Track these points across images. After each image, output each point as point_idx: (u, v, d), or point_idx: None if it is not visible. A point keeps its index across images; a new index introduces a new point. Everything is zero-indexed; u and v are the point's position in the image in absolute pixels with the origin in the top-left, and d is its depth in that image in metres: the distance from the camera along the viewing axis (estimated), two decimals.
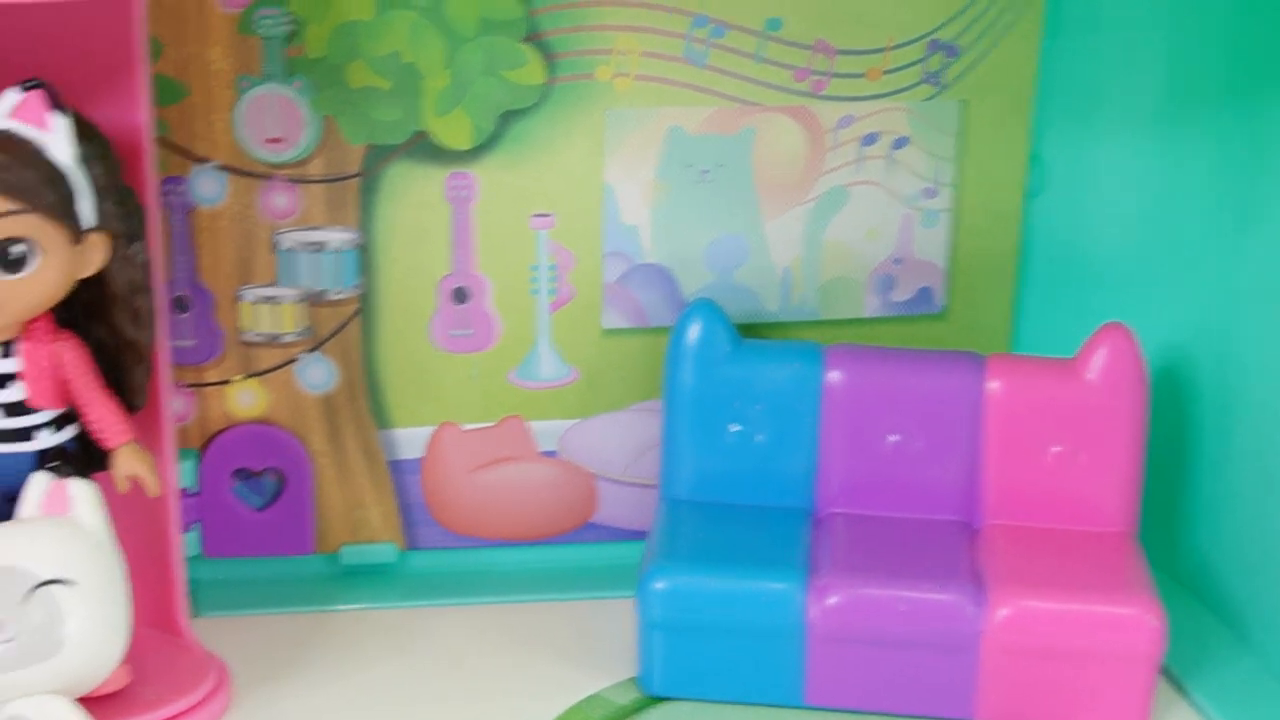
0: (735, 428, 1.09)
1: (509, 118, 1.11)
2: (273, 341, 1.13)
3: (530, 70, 1.10)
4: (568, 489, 1.19)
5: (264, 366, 1.14)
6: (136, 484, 0.98)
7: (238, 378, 1.14)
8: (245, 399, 1.14)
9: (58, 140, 0.91)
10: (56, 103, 0.91)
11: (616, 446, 1.18)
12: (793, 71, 1.12)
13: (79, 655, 0.92)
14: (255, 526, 1.17)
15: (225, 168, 1.10)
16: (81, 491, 0.95)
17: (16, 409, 0.96)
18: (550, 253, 1.14)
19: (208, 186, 1.10)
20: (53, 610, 0.91)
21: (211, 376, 1.14)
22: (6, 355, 0.95)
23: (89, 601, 0.92)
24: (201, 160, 1.09)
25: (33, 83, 0.90)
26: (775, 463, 1.09)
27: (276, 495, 1.16)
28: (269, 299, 1.13)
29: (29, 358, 0.95)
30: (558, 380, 1.16)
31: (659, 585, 1.01)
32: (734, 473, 1.10)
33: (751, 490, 1.10)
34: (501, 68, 1.10)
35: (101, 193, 0.93)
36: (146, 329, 0.97)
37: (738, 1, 1.10)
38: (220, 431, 1.15)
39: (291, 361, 1.14)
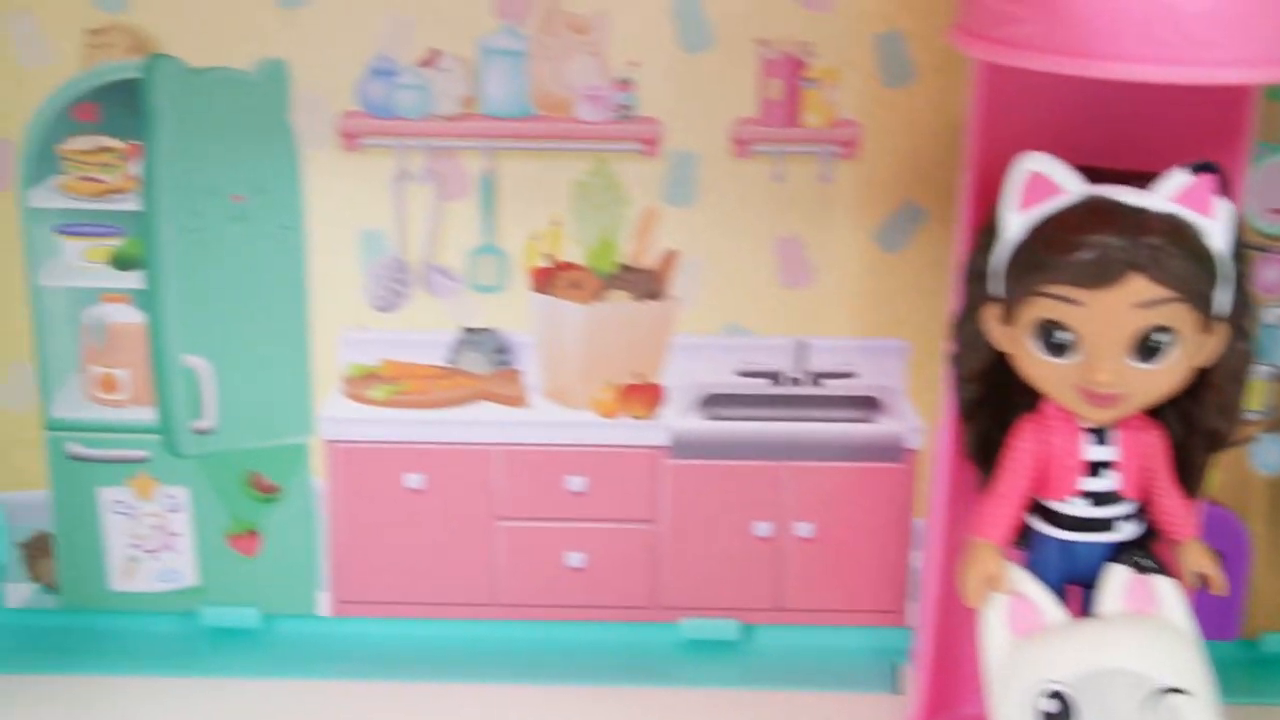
0: None
1: None
2: None
3: None
4: None
5: None
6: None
7: None
8: None
9: (1218, 227, 0.85)
10: (1222, 188, 0.85)
11: None
12: None
13: None
14: None
15: None
16: (1169, 590, 0.90)
17: (1104, 499, 0.91)
18: None
19: None
20: None
21: None
22: (1102, 442, 0.90)
23: (1205, 713, 0.87)
24: None
25: (1204, 165, 0.85)
26: None
27: None
28: None
29: (1126, 447, 0.90)
30: None
31: None
32: None
33: None
34: None
35: (1235, 282, 0.87)
36: (1231, 419, 0.92)
37: None
38: None
39: (1248, 440, 1.08)
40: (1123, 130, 0.91)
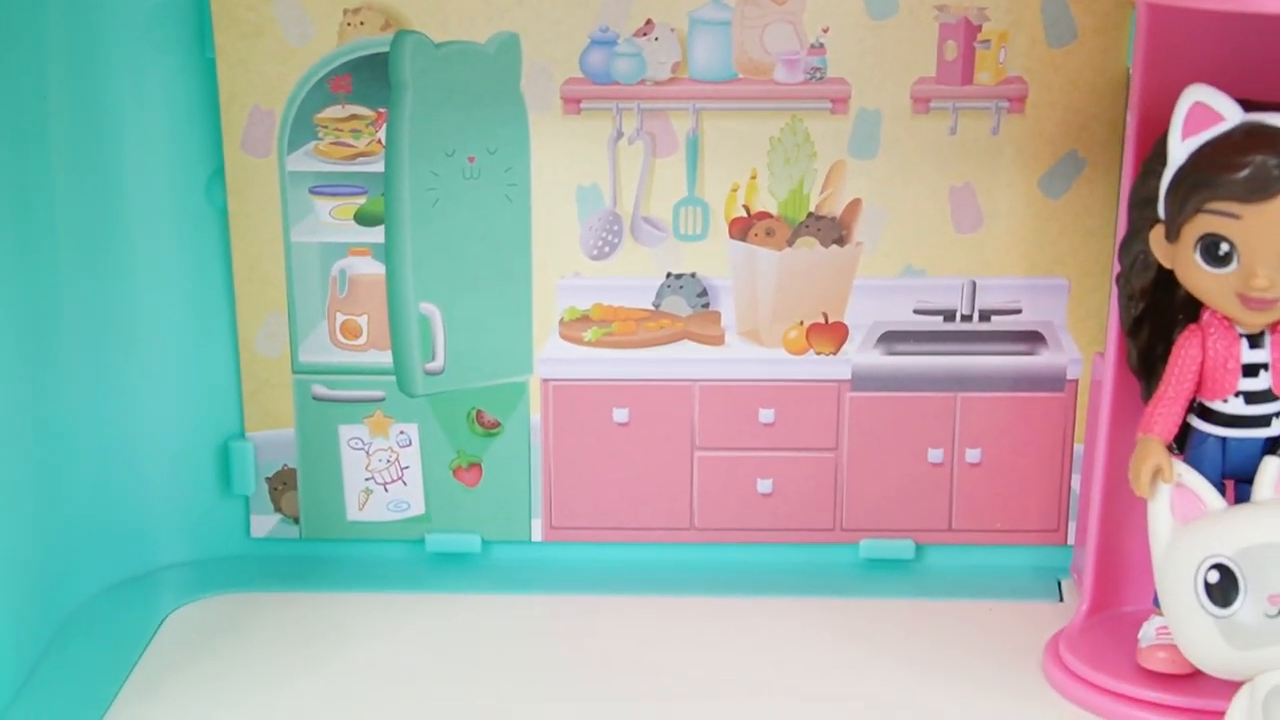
0: None
1: None
2: None
3: None
4: None
5: None
6: None
7: None
8: None
9: None
10: None
11: None
12: None
13: None
14: None
15: None
16: None
17: (1259, 397, 1.02)
18: None
19: None
20: None
21: None
22: (1257, 346, 1.01)
23: None
24: None
25: None
26: None
27: None
28: None
29: (1278, 348, 1.01)
30: None
31: None
32: None
33: None
34: None
35: None
36: None
37: None
38: None
39: None
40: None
